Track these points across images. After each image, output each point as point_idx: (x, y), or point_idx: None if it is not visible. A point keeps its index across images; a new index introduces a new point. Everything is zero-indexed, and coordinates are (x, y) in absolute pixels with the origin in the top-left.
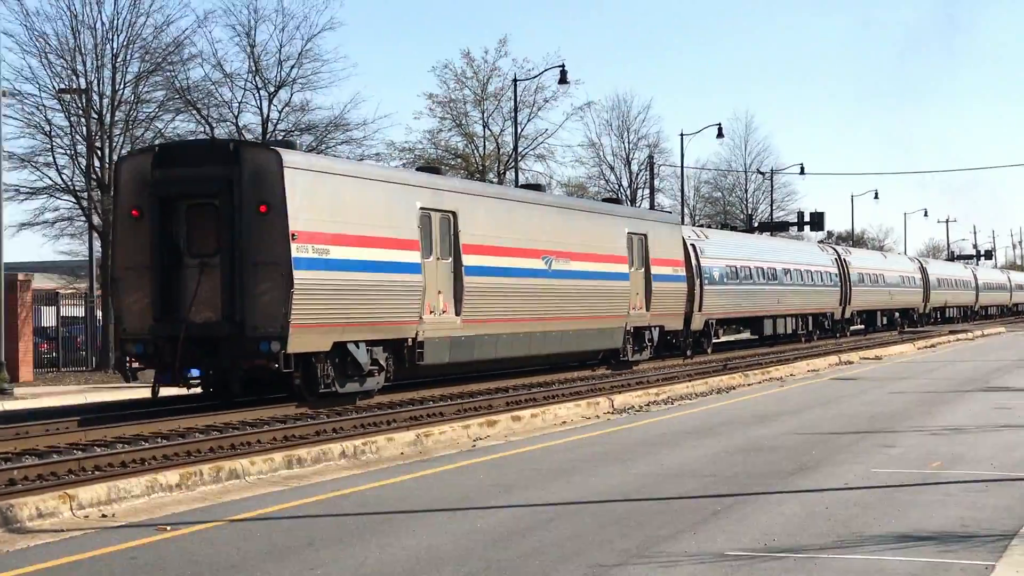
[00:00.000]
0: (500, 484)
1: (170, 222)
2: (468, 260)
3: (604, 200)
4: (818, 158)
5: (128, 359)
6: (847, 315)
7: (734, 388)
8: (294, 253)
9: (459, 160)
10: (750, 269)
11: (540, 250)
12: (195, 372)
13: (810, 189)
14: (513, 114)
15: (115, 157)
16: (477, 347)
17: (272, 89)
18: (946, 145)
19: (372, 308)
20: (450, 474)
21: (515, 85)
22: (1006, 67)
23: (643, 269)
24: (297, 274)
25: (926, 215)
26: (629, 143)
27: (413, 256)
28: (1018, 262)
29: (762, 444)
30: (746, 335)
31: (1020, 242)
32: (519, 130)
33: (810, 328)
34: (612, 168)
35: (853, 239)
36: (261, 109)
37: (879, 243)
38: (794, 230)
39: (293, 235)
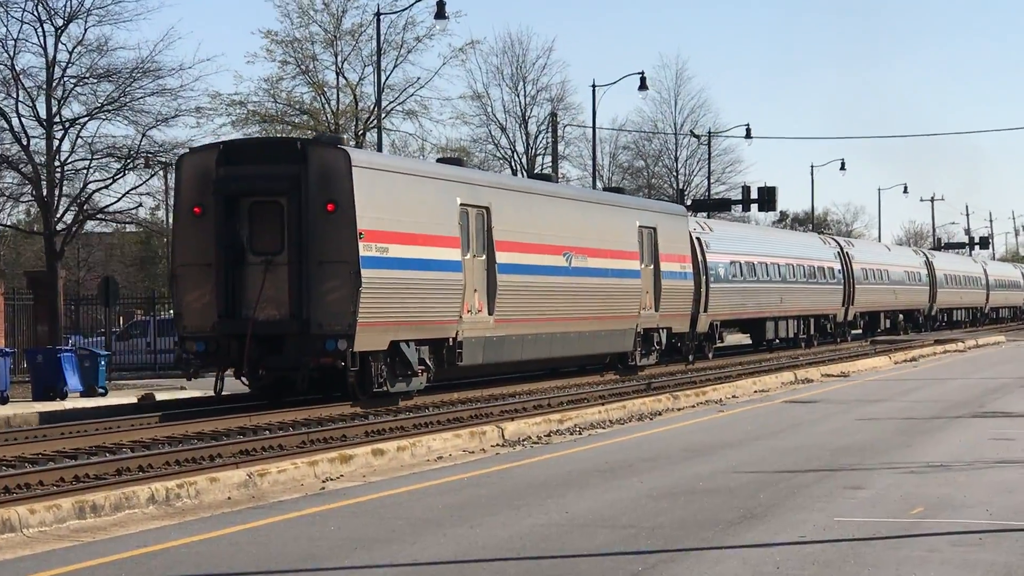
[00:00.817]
0: (356, 538)
1: (233, 220)
2: (501, 257)
3: (605, 189)
4: (768, 119)
5: (188, 356)
6: (850, 317)
7: (660, 414)
8: (362, 252)
9: (305, 117)
10: (754, 265)
11: (561, 246)
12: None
13: (758, 158)
14: (376, 58)
15: None
16: (507, 348)
17: (60, 23)
18: (925, 108)
19: (421, 306)
20: (292, 525)
21: (378, 20)
22: (993, 11)
23: (652, 266)
24: (364, 272)
25: (906, 191)
26: (525, 96)
27: (455, 254)
28: (1022, 252)
29: (695, 486)
30: (746, 338)
31: None
32: (383, 79)
33: (811, 332)
34: (504, 128)
35: (814, 222)
36: (45, 48)
37: (847, 227)
38: (738, 210)
39: (360, 234)
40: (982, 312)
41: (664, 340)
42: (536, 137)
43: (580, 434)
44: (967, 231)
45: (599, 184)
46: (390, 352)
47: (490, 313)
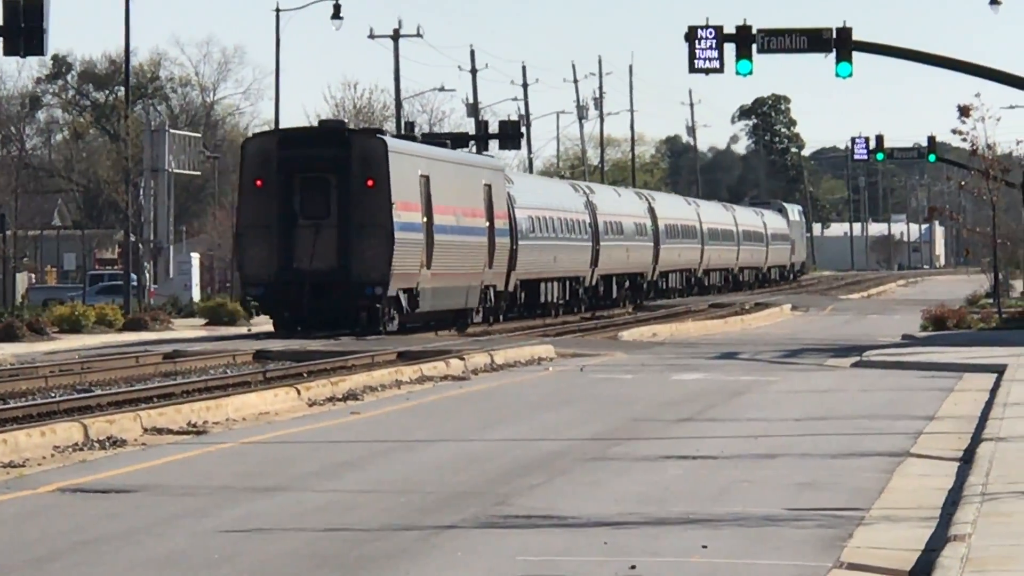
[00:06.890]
0: None
1: (287, 190)
2: (437, 219)
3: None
4: None
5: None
6: (594, 282)
7: None
8: (395, 219)
9: None
10: (541, 220)
11: (453, 207)
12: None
13: None
14: None
15: None
16: (438, 298)
17: None
18: None
19: (406, 260)
20: None
21: None
22: None
23: (490, 223)
24: (397, 235)
25: (337, 16)
26: None
27: (418, 217)
28: (595, 158)
29: None
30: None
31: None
32: None
33: (568, 297)
34: None
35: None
36: None
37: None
38: None
39: (393, 204)
40: (696, 277)
41: (493, 298)
42: None
43: None
44: (470, 107)
45: None
46: (395, 298)
47: (428, 268)
